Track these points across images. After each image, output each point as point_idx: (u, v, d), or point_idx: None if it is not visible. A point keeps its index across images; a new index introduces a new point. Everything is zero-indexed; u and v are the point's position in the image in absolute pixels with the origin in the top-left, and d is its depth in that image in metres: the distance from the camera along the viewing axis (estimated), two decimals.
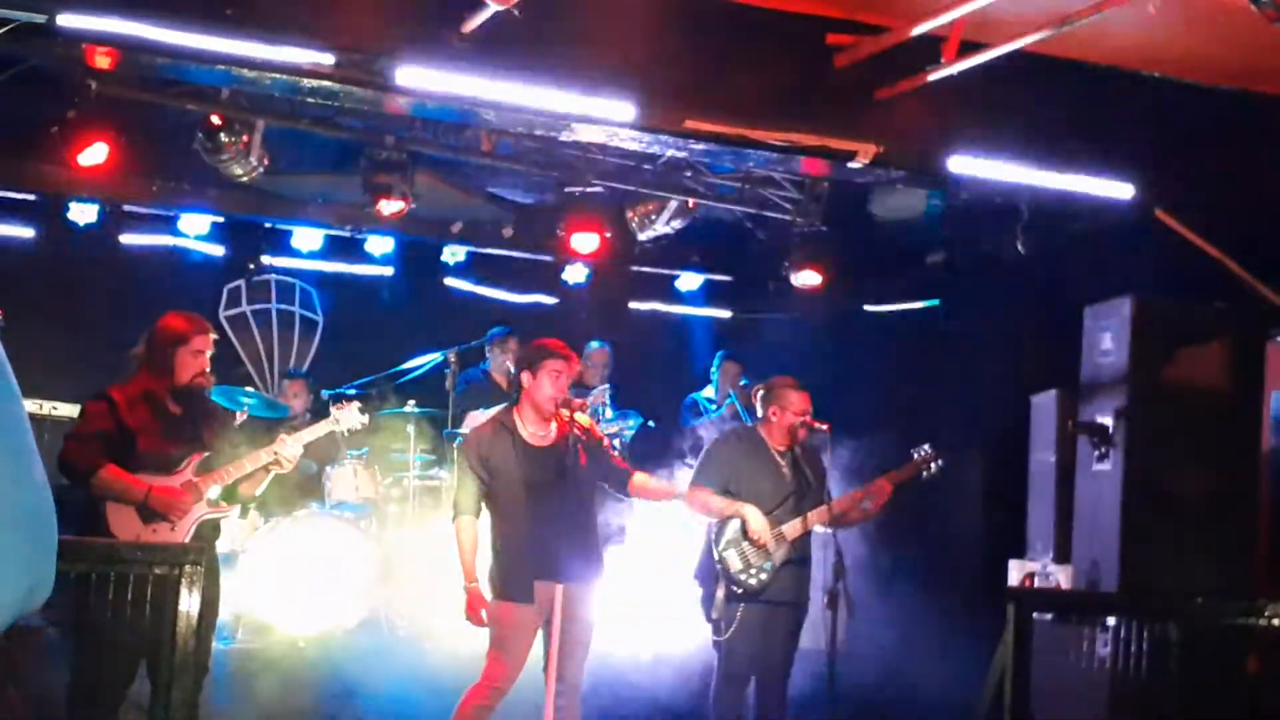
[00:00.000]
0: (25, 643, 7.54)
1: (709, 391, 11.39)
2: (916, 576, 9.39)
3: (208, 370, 6.19)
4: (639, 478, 6.68)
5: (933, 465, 7.07)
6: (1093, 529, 7.64)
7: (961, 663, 8.11)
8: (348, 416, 6.92)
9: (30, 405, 7.14)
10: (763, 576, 6.91)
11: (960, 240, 10.26)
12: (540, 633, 6.38)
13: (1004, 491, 9.45)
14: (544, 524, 6.28)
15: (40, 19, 5.91)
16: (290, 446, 6.32)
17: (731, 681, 6.97)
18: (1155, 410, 7.51)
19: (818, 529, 6.99)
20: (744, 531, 6.92)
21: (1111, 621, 6.55)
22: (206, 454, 6.12)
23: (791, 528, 6.93)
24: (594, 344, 11.31)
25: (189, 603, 5.30)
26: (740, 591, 6.90)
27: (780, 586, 6.94)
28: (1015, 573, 8.28)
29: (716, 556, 6.93)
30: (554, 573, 6.24)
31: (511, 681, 6.30)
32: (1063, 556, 7.95)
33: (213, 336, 6.26)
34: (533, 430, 6.41)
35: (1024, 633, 6.13)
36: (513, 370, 9.47)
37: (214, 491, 6.15)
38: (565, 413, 6.34)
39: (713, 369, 11.37)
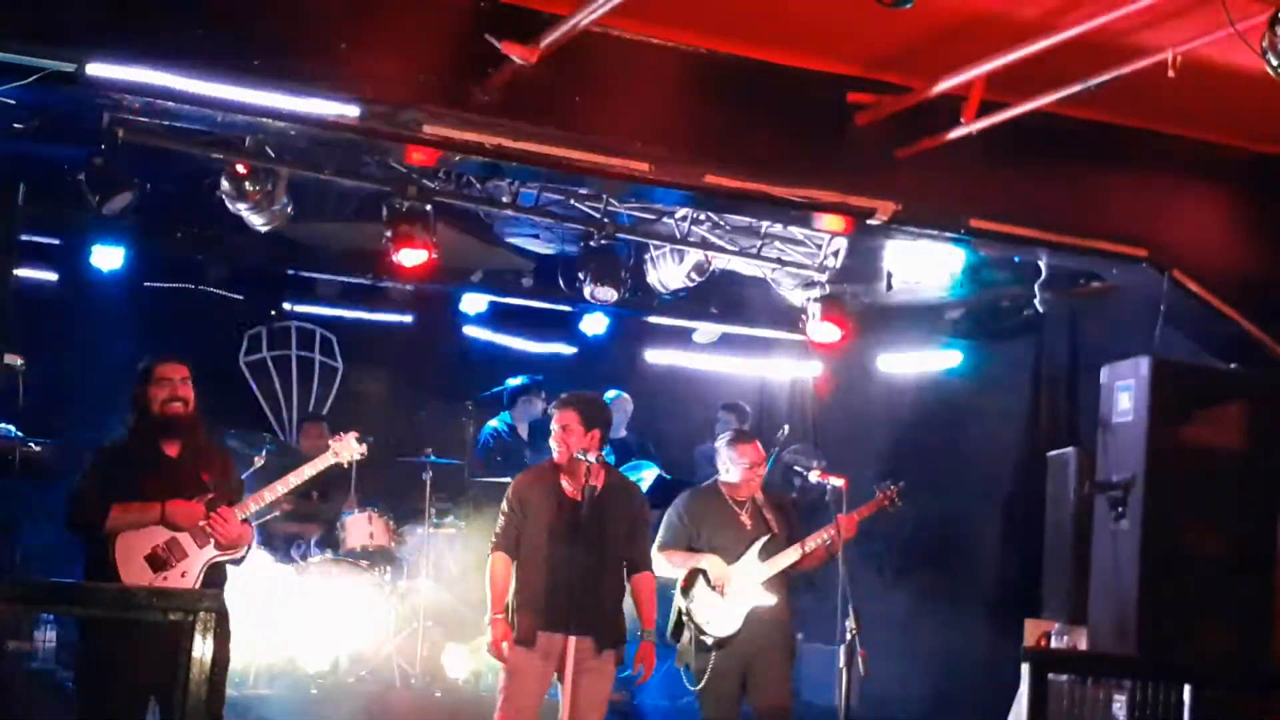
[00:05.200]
0: (38, 685, 7.54)
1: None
2: (931, 635, 9.34)
3: (179, 396, 6.11)
4: (644, 579, 6.63)
5: (896, 500, 7.26)
6: (1110, 589, 7.59)
7: None
8: (346, 448, 6.71)
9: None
10: (730, 626, 6.93)
11: (979, 297, 10.27)
12: (559, 688, 6.37)
13: (1020, 550, 9.40)
14: (560, 574, 6.29)
15: (70, 68, 5.98)
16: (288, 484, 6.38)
17: None
18: (1173, 470, 7.47)
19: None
20: (708, 582, 6.95)
21: (1128, 683, 6.50)
22: (211, 497, 6.11)
23: (757, 573, 6.96)
24: (613, 392, 11.27)
25: (203, 649, 5.29)
26: (710, 642, 6.91)
27: (750, 634, 6.95)
28: (1031, 632, 8.23)
29: (684, 609, 6.96)
30: (563, 625, 6.24)
31: None
32: (1079, 616, 7.89)
33: (178, 365, 6.19)
34: (569, 483, 6.49)
35: (1041, 693, 6.07)
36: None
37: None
38: (586, 460, 6.36)
39: (717, 422, 11.36)
